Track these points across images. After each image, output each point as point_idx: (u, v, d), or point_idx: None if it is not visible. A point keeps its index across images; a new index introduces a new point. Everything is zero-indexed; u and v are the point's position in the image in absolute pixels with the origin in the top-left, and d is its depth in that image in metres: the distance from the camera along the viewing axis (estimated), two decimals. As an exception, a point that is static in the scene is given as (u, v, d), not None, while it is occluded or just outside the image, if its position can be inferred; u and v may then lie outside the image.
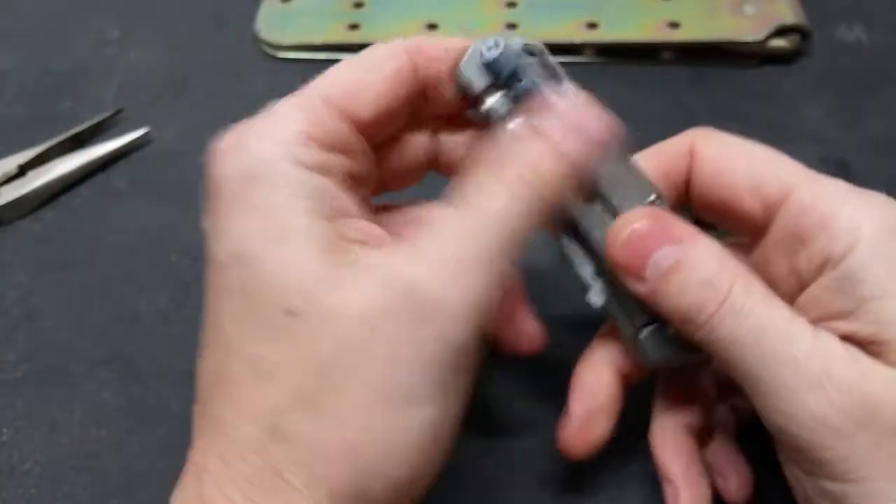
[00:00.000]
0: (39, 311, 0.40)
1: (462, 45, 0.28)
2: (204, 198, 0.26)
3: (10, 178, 0.44)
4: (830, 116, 0.48)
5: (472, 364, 0.25)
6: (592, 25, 0.51)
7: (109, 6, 0.56)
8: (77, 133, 0.46)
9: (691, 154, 0.29)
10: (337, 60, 0.55)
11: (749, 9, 0.51)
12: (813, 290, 0.26)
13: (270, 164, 0.25)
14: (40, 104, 0.50)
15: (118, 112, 0.48)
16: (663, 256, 0.26)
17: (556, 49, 0.50)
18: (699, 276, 0.25)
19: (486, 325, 0.25)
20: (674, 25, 0.51)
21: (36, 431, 0.35)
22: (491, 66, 0.28)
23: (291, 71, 0.51)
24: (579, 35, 0.51)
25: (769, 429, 0.26)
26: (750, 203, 0.28)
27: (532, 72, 0.28)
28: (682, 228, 0.26)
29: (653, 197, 0.28)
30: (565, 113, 0.26)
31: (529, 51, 0.29)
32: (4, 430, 0.35)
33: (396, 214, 0.31)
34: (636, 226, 0.26)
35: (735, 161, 0.28)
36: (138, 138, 0.47)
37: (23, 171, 0.44)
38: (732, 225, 0.30)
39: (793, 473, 0.26)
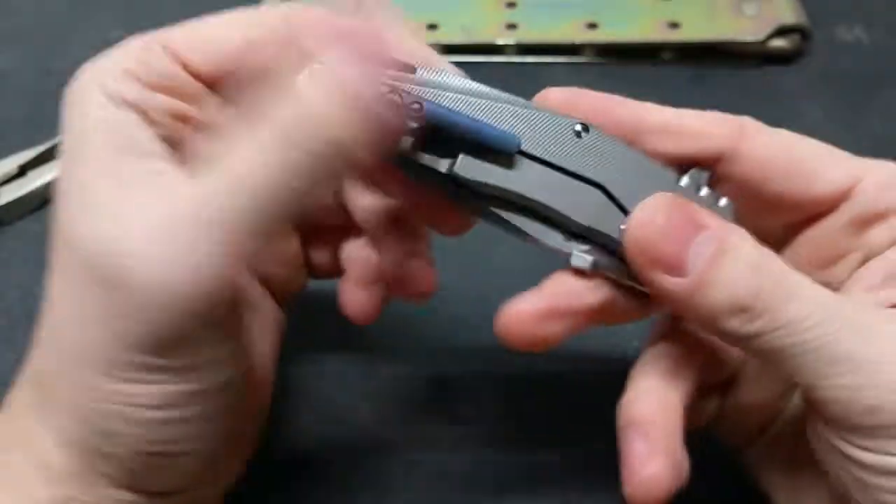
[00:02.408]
0: (39, 311, 0.39)
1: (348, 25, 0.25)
2: None
3: (10, 179, 0.44)
4: (830, 116, 0.48)
5: (190, 354, 0.23)
6: (592, 25, 0.51)
7: (109, 6, 0.56)
8: (77, 133, 0.46)
9: (741, 133, 0.27)
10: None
11: (749, 9, 0.51)
12: (887, 255, 0.26)
13: (82, 93, 0.25)
14: (40, 104, 0.50)
15: (118, 112, 0.48)
16: (703, 243, 0.23)
17: (557, 49, 0.51)
18: (747, 259, 0.23)
19: (195, 316, 0.22)
20: (674, 25, 0.51)
21: (36, 431, 0.35)
22: None
23: (291, 71, 0.51)
24: (579, 35, 0.51)
25: (841, 415, 0.23)
26: (817, 186, 0.27)
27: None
28: (705, 212, 0.24)
29: (676, 175, 0.26)
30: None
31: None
32: (4, 431, 0.35)
33: None
34: (665, 213, 0.24)
35: (798, 148, 0.27)
36: (138, 138, 0.47)
37: (23, 171, 0.44)
38: (776, 208, 0.28)
39: (857, 455, 0.24)
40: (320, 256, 0.33)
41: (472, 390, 0.36)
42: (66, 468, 0.24)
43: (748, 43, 0.50)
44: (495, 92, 0.25)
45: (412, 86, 0.24)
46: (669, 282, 0.24)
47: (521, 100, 0.26)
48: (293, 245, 0.32)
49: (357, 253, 0.31)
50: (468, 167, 0.25)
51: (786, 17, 0.50)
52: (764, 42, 0.50)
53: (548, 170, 0.25)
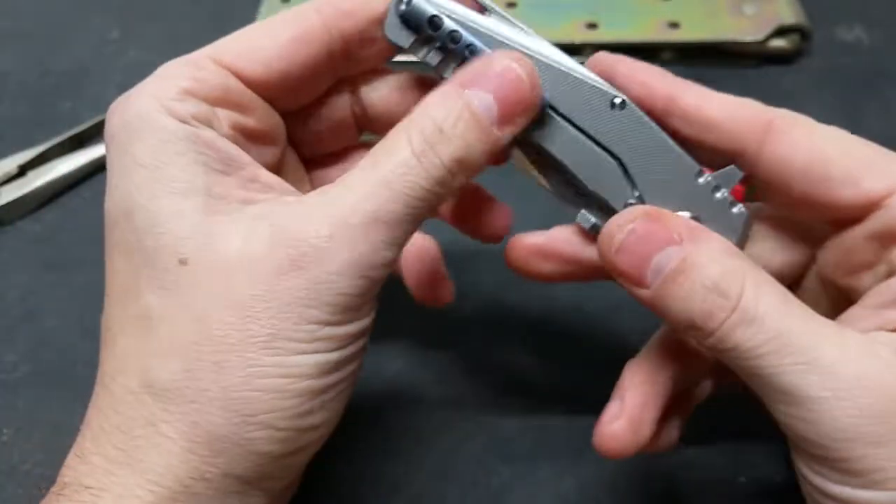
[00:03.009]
0: (39, 311, 0.40)
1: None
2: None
3: (10, 179, 0.44)
4: (830, 116, 0.47)
5: (359, 318, 0.25)
6: (592, 25, 0.51)
7: (109, 6, 0.56)
8: (77, 133, 0.46)
9: (769, 129, 0.26)
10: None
11: (749, 9, 0.51)
12: None
13: (148, 118, 0.26)
14: (40, 104, 0.50)
15: (118, 112, 0.48)
16: (665, 258, 0.24)
17: (556, 49, 0.51)
18: (705, 279, 0.24)
19: (373, 282, 0.25)
20: (674, 25, 0.51)
21: (36, 431, 0.35)
22: (406, 21, 0.27)
23: (291, 71, 0.51)
24: (579, 35, 0.51)
25: (789, 436, 0.24)
26: (846, 194, 0.26)
27: (453, 15, 0.27)
28: (683, 225, 0.25)
29: (697, 170, 0.27)
30: (484, 71, 0.26)
31: None
32: (4, 430, 0.35)
33: (333, 170, 0.32)
34: (632, 226, 0.25)
35: (830, 150, 0.26)
36: (138, 138, 0.47)
37: (23, 171, 0.44)
38: (805, 209, 0.27)
39: (809, 477, 0.24)
40: None
41: (474, 391, 0.36)
42: (189, 475, 0.24)
43: (748, 43, 0.50)
44: (558, 53, 0.27)
45: (476, 26, 0.27)
46: (633, 289, 0.25)
47: (577, 65, 0.27)
48: None
49: (411, 246, 0.33)
50: None
51: (786, 17, 0.50)
52: (764, 42, 0.50)
53: (575, 131, 0.27)
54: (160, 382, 0.24)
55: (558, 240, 0.29)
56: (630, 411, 0.27)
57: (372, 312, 0.26)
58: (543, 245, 0.29)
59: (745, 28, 0.50)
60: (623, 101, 0.27)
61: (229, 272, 0.24)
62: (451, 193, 0.26)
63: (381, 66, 0.30)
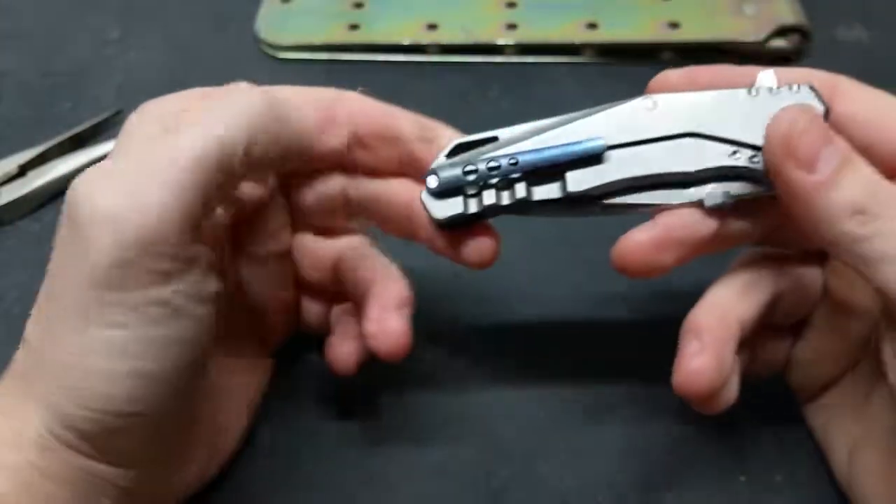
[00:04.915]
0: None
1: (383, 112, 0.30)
2: None
3: (10, 179, 0.44)
4: (830, 116, 0.48)
5: (139, 286, 0.24)
6: (592, 25, 0.51)
7: (109, 6, 0.56)
8: (77, 133, 0.46)
9: (834, 91, 0.30)
10: (337, 60, 0.55)
11: (749, 9, 0.51)
12: None
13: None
14: (40, 104, 0.50)
15: (118, 112, 0.48)
16: (831, 153, 0.26)
17: (557, 49, 0.51)
18: (866, 172, 0.26)
19: (159, 246, 0.24)
20: (674, 25, 0.51)
21: (36, 431, 0.35)
22: (445, 192, 0.29)
23: (291, 71, 0.51)
24: (579, 35, 0.51)
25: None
26: None
27: (475, 157, 0.29)
28: (832, 133, 0.27)
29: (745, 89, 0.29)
30: None
31: (455, 151, 0.29)
32: (4, 431, 0.35)
33: (318, 240, 0.35)
34: (807, 118, 0.26)
35: (889, 105, 0.29)
36: (138, 138, 0.47)
37: (23, 171, 0.44)
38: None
39: None
40: (313, 312, 0.36)
41: (472, 390, 0.36)
42: (37, 431, 0.25)
43: (748, 43, 0.50)
44: (561, 117, 0.29)
45: (502, 151, 0.28)
46: (801, 176, 0.26)
47: (586, 110, 0.29)
48: (292, 296, 0.35)
49: (345, 313, 0.34)
50: (579, 183, 0.28)
51: (786, 17, 0.51)
52: (764, 42, 0.50)
53: (640, 147, 0.28)
54: (26, 343, 0.26)
55: (676, 226, 0.28)
56: (714, 346, 0.28)
57: (181, 281, 0.25)
58: (664, 237, 0.28)
59: (745, 28, 0.50)
60: (653, 100, 0.29)
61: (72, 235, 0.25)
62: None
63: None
